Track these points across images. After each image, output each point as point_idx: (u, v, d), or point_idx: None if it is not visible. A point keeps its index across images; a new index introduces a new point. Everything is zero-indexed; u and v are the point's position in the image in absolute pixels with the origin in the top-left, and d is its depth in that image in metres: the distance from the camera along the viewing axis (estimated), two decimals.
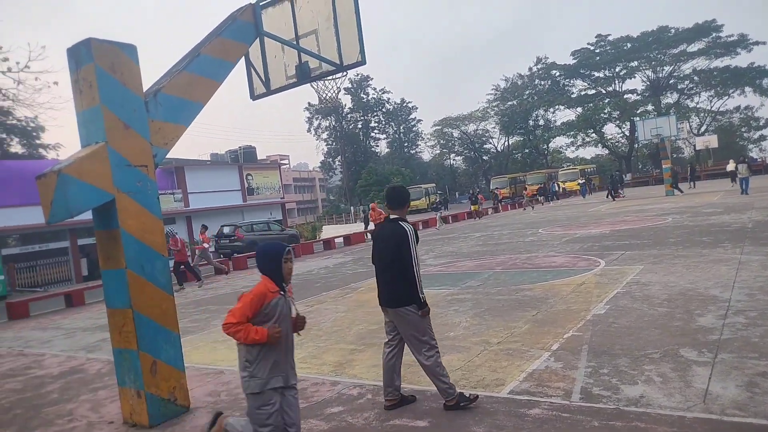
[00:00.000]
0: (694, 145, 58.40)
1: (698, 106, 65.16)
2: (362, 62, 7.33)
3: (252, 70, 7.96)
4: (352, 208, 58.35)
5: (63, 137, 66.94)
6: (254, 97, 8.11)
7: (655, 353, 4.87)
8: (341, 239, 23.68)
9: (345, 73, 7.79)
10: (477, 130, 79.93)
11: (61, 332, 10.39)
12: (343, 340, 6.72)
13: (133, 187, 4.76)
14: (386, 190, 4.57)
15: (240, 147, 40.47)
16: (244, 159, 39.01)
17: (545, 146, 76.19)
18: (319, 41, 7.46)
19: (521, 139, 77.33)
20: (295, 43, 7.45)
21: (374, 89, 72.12)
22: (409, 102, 76.79)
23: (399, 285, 4.10)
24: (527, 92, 73.88)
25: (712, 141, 54.40)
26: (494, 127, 78.84)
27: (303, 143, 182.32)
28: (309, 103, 68.87)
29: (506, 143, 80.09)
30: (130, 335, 4.59)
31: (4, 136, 32.42)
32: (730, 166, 31.95)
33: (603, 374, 4.50)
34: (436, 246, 17.70)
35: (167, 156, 5.56)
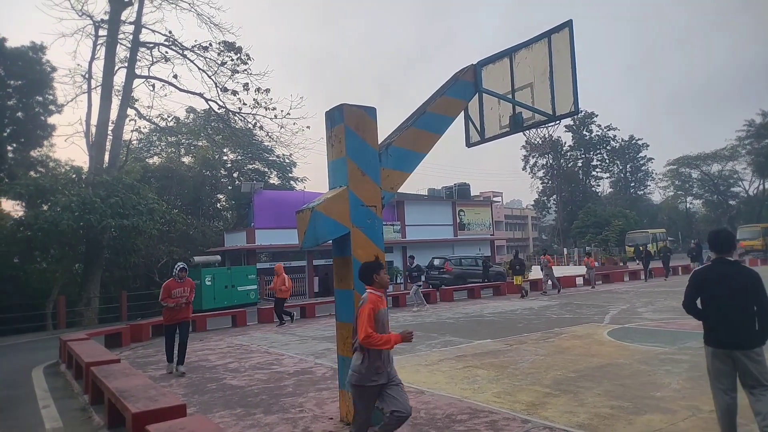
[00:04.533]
0: None
1: None
2: (575, 112, 7.55)
3: (469, 121, 8.75)
4: (565, 249, 55.81)
5: (309, 172, 78.06)
6: (469, 144, 8.86)
7: None
8: (550, 282, 23.03)
9: (558, 121, 8.05)
10: (722, 170, 69.89)
11: (296, 338, 12.35)
12: (539, 382, 6.85)
13: (365, 223, 5.78)
14: (711, 233, 4.54)
15: (455, 183, 42.25)
16: (458, 195, 40.62)
17: None
18: (534, 93, 7.88)
19: None
20: (510, 96, 8.01)
21: (599, 126, 68.57)
22: (639, 139, 71.02)
23: (745, 325, 4.16)
24: None
25: None
26: (745, 168, 67.98)
27: (518, 180, 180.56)
28: (526, 141, 68.55)
29: (761, 187, 68.31)
30: (351, 346, 5.52)
31: (266, 170, 39.36)
32: None
33: None
34: (657, 299, 16.21)
35: None
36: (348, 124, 5.81)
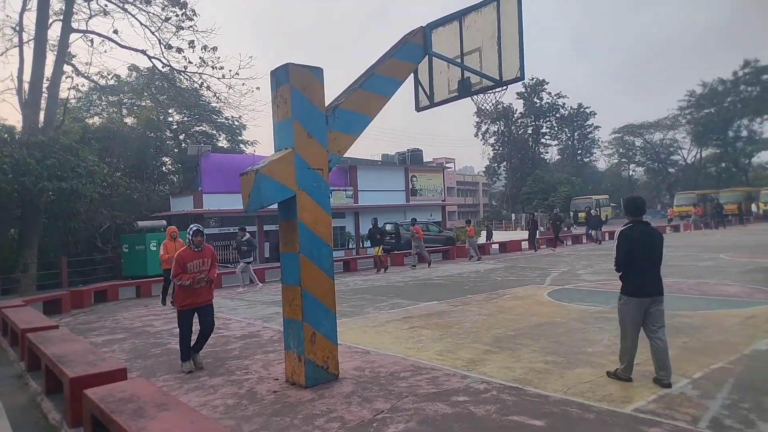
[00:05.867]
0: None
1: None
2: (521, 78, 7.64)
3: (419, 85, 8.72)
4: (513, 214, 57.32)
5: (260, 135, 76.21)
6: (419, 109, 8.86)
7: None
8: (497, 245, 23.71)
9: (505, 87, 8.15)
10: (664, 139, 72.84)
11: (245, 303, 12.29)
12: (480, 340, 7.13)
13: (311, 186, 5.74)
14: (627, 199, 5.46)
15: (408, 149, 42.37)
16: (411, 161, 40.80)
17: (747, 161, 66.64)
18: (482, 58, 7.93)
19: (717, 151, 68.56)
20: (459, 60, 8.02)
21: (549, 94, 69.70)
22: (586, 107, 72.75)
23: (659, 276, 5.07)
24: (729, 99, 65.20)
25: None
26: (684, 137, 71.07)
27: (470, 147, 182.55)
28: (477, 107, 69.05)
29: (698, 155, 71.76)
30: (297, 308, 5.57)
31: (214, 132, 38.14)
32: None
33: (742, 408, 4.32)
34: (597, 262, 16.99)
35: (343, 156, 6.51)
36: (294, 85, 5.69)
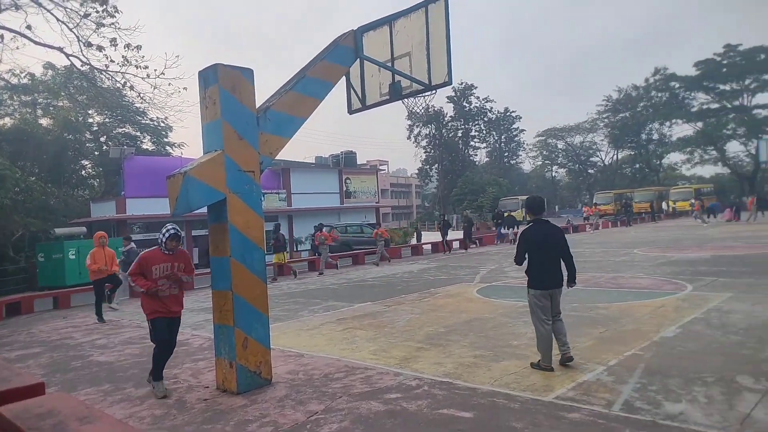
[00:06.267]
0: None
1: None
2: (449, 83, 7.89)
3: (351, 87, 8.80)
4: (445, 215, 58.57)
5: (187, 137, 73.15)
6: (351, 111, 8.95)
7: (710, 377, 4.95)
8: (429, 246, 24.19)
9: (434, 91, 8.38)
10: (584, 142, 76.94)
11: None
12: (413, 339, 7.29)
13: (242, 189, 5.67)
14: (528, 200, 6.07)
15: (342, 152, 42.36)
16: (344, 163, 40.80)
17: (658, 162, 71.60)
18: (412, 63, 8.11)
19: (632, 153, 73.27)
20: (389, 64, 8.16)
21: (477, 98, 71.86)
22: (512, 111, 75.62)
23: (559, 270, 5.67)
24: (641, 104, 69.87)
25: None
26: (603, 140, 75.43)
27: (404, 149, 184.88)
28: (408, 110, 70.06)
29: (615, 157, 76.34)
30: (228, 313, 5.48)
31: (138, 134, 36.48)
32: None
33: (650, 390, 4.69)
34: None
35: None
36: (223, 86, 5.60)
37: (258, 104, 6.09)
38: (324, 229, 18.84)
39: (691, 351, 5.84)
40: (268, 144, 6.06)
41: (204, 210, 5.71)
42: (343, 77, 8.17)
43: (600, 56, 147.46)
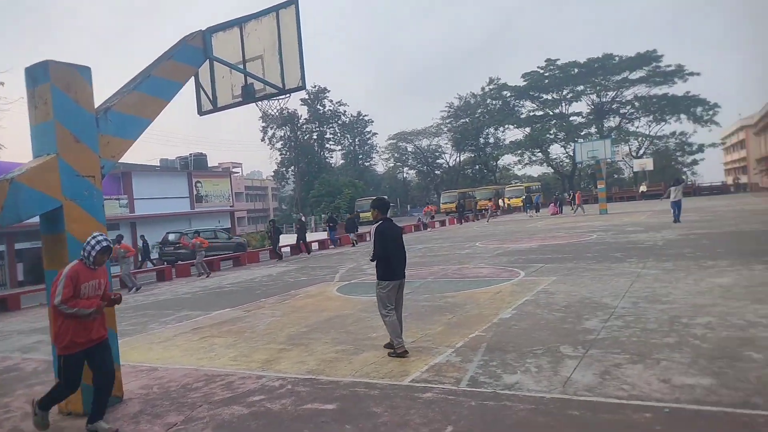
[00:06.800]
0: (632, 167, 61.85)
1: (638, 130, 68.84)
2: (302, 87, 8.02)
3: (201, 89, 8.51)
4: (303, 217, 58.46)
5: (5, 139, 63.71)
6: (201, 113, 8.65)
7: (539, 349, 5.71)
8: (288, 249, 24.08)
9: (288, 95, 8.44)
10: (430, 145, 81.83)
11: None
12: (274, 341, 7.31)
13: (80, 195, 5.25)
14: (375, 200, 6.48)
15: (191, 154, 40.27)
16: (194, 166, 38.84)
17: (494, 163, 78.72)
18: (264, 66, 8.09)
19: (472, 155, 79.66)
20: (241, 66, 8.05)
21: (331, 101, 72.80)
22: (365, 115, 77.85)
23: (404, 263, 6.30)
24: (479, 111, 76.31)
25: (648, 164, 57.95)
26: (447, 143, 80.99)
27: (258, 151, 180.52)
28: (262, 112, 68.69)
29: (458, 159, 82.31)
30: None
31: None
32: (643, 188, 35.93)
33: (491, 366, 5.29)
34: None
35: None
36: (56, 84, 5.14)
37: (97, 104, 5.68)
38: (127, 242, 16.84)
39: (524, 328, 6.65)
40: (110, 147, 5.68)
41: (33, 221, 5.19)
42: (193, 77, 7.92)
43: (443, 64, 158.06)
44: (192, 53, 6.97)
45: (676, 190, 20.42)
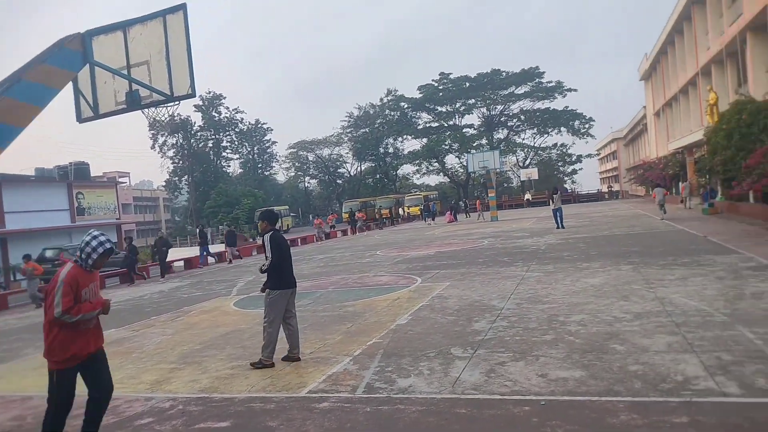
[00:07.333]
0: (520, 176, 66.16)
1: (524, 141, 73.77)
2: (192, 95, 7.80)
3: (80, 94, 7.98)
4: (198, 229, 56.05)
5: None
6: (81, 120, 8.12)
7: (432, 352, 5.96)
8: (182, 263, 22.98)
9: (177, 102, 8.16)
10: (332, 154, 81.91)
11: None
12: (165, 360, 6.98)
13: None
14: (265, 212, 6.62)
15: (71, 162, 37.19)
16: (75, 176, 35.89)
17: (394, 173, 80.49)
18: (151, 72, 7.78)
19: (372, 165, 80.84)
20: (125, 72, 7.67)
21: (227, 108, 70.60)
22: (264, 123, 76.35)
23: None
24: (378, 121, 77.73)
25: (534, 173, 62.36)
26: (348, 153, 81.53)
27: (148, 160, 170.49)
28: (150, 120, 65.11)
29: (359, 168, 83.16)
30: None
31: None
32: (528, 196, 39.30)
33: (387, 371, 5.44)
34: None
35: None
36: None
37: None
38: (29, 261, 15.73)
39: (418, 333, 6.90)
40: None
41: None
42: (71, 83, 7.41)
43: (341, 74, 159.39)
44: (69, 57, 6.57)
45: (557, 199, 22.14)
